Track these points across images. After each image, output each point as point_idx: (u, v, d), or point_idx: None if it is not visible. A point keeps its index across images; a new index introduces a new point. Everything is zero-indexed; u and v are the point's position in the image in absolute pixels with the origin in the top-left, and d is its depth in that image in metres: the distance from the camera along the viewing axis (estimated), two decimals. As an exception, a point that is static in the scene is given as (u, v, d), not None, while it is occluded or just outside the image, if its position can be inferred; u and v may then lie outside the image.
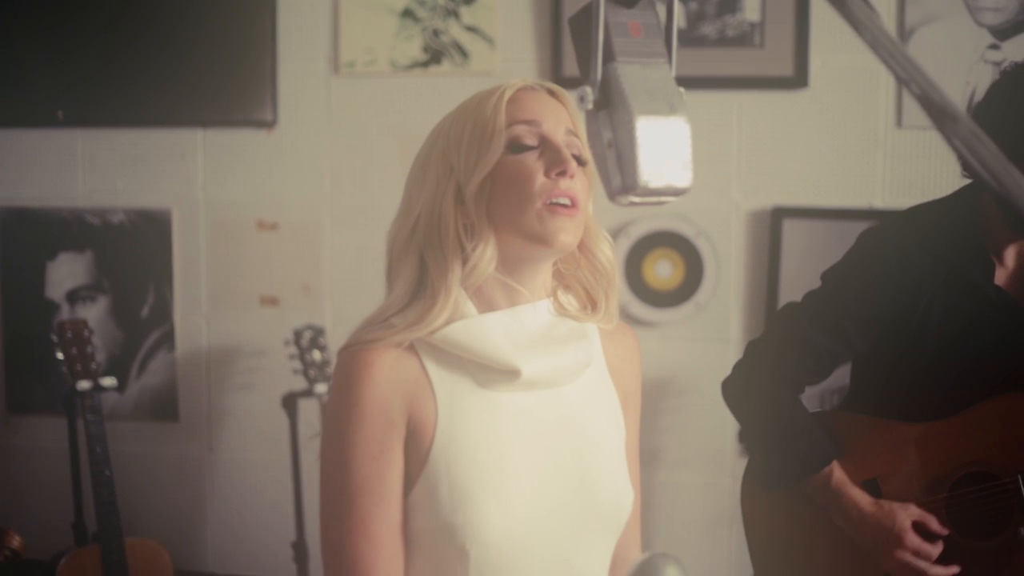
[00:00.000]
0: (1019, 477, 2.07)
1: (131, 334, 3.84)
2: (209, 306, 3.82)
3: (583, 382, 1.58)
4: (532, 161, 1.48)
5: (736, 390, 2.33)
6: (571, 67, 3.42)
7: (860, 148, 3.34)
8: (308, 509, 3.48)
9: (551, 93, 1.57)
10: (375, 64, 3.61)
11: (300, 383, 3.45)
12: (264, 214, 3.75)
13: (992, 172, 0.80)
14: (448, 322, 1.48)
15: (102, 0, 3.73)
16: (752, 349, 2.33)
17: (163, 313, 3.82)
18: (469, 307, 1.50)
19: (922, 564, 2.11)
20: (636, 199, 1.06)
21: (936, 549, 2.12)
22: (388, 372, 1.47)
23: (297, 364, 3.44)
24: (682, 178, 1.07)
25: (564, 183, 1.46)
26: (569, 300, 1.61)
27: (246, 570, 3.84)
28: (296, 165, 3.71)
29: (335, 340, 3.51)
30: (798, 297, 2.33)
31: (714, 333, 3.48)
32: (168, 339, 3.83)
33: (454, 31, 3.55)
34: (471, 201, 1.48)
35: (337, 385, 1.49)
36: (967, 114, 0.82)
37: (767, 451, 2.32)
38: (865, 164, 3.34)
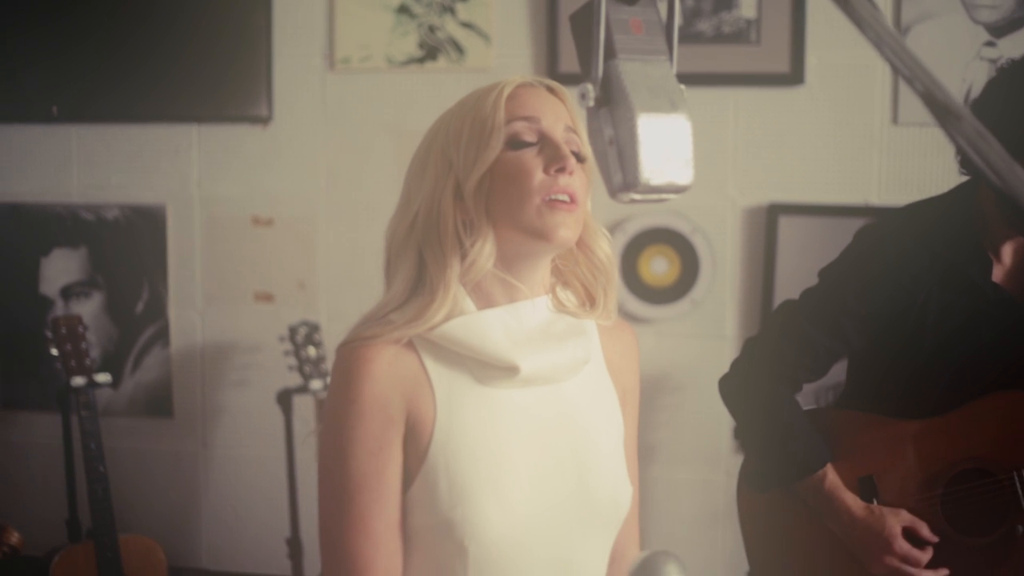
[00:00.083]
0: (1015, 474, 2.08)
1: (125, 330, 3.83)
2: (204, 302, 3.81)
3: (582, 378, 1.58)
4: (531, 157, 1.48)
5: (733, 388, 2.33)
6: (567, 64, 3.42)
7: (856, 145, 3.35)
8: (303, 505, 3.48)
9: (550, 90, 1.56)
10: (371, 60, 3.61)
11: (295, 379, 3.45)
12: (259, 210, 3.74)
13: (996, 170, 0.79)
14: (447, 318, 1.48)
15: (97, -5, 3.73)
16: (749, 347, 2.33)
17: (158, 309, 3.82)
18: (468, 303, 1.50)
19: (911, 571, 2.12)
20: (637, 196, 1.06)
21: (926, 555, 2.12)
22: (387, 368, 1.47)
23: (292, 360, 3.44)
24: (683, 175, 1.07)
25: (563, 180, 1.46)
26: (568, 296, 1.61)
27: (240, 566, 3.84)
28: (291, 161, 3.71)
29: (330, 336, 3.51)
30: (794, 294, 2.33)
31: (710, 330, 3.48)
32: (163, 335, 3.82)
33: (450, 27, 3.55)
34: (470, 197, 1.48)
35: (335, 382, 1.49)
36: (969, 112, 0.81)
37: (762, 452, 2.32)
38: (861, 161, 3.35)
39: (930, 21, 3.20)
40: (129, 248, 3.81)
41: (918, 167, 3.30)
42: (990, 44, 3.18)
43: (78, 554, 3.18)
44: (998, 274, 2.16)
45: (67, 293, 3.86)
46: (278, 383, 3.52)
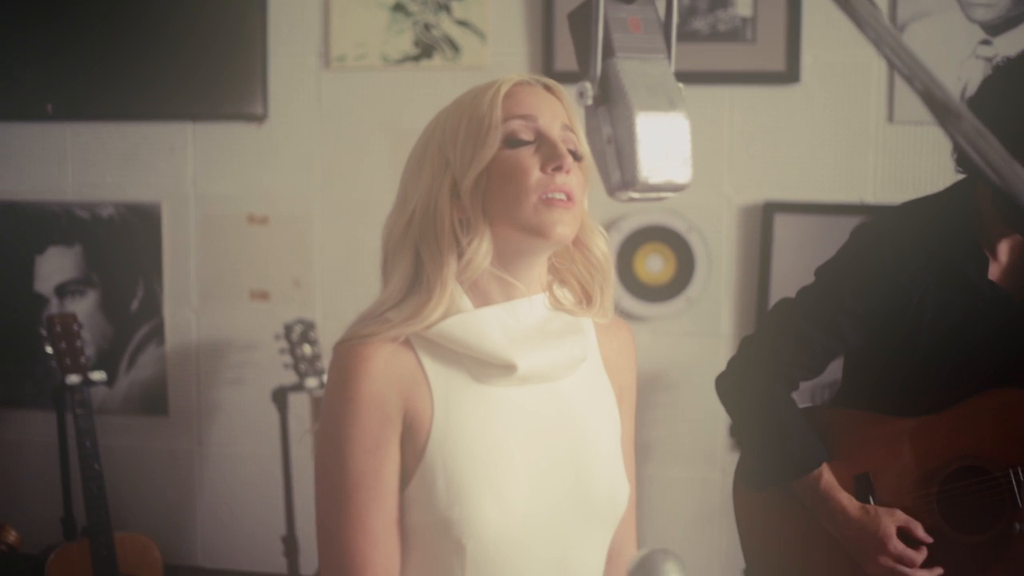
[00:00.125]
0: (1011, 471, 2.08)
1: (120, 328, 3.83)
2: (199, 300, 3.81)
3: (579, 376, 1.58)
4: (528, 156, 1.48)
5: (730, 387, 2.33)
6: (563, 62, 3.41)
7: (851, 143, 3.35)
8: (298, 503, 3.48)
9: (547, 88, 1.56)
10: (366, 58, 3.60)
11: (290, 377, 3.45)
12: (254, 208, 3.74)
13: (995, 169, 0.80)
14: (444, 317, 1.48)
15: (91, -7, 3.72)
16: (746, 345, 2.33)
17: (153, 307, 3.81)
18: (465, 302, 1.50)
19: (905, 571, 2.12)
20: (636, 195, 1.05)
21: (920, 556, 2.13)
22: (384, 367, 1.46)
23: (287, 358, 3.43)
24: (682, 174, 1.06)
25: (560, 178, 1.46)
26: (564, 294, 1.61)
27: (236, 564, 3.84)
28: (286, 159, 3.71)
29: (325, 334, 3.51)
30: (790, 292, 2.33)
31: (705, 328, 3.49)
32: (158, 333, 3.82)
33: (445, 25, 3.55)
34: (467, 196, 1.48)
35: (333, 380, 1.49)
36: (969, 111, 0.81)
37: (758, 450, 2.32)
38: (856, 159, 3.35)
39: (926, 19, 3.20)
40: (124, 246, 3.80)
41: (914, 165, 3.30)
42: (986, 42, 3.18)
43: (73, 552, 3.18)
44: (994, 272, 2.16)
45: (62, 291, 3.85)
46: (273, 381, 3.52)
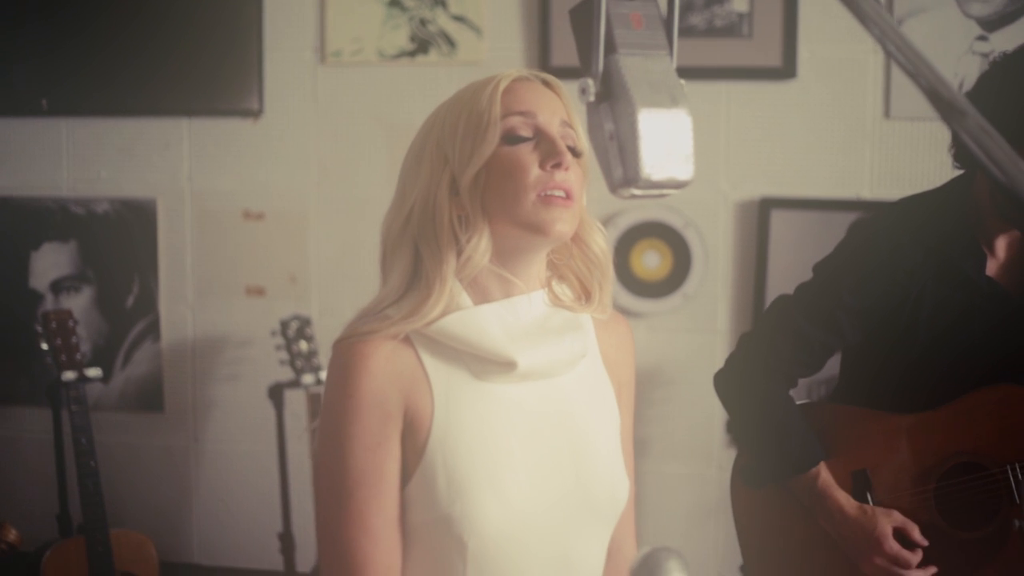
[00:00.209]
0: (1008, 468, 2.08)
1: (116, 324, 3.82)
2: (195, 296, 3.80)
3: (578, 373, 1.58)
4: (527, 153, 1.47)
5: (728, 384, 2.33)
6: (559, 57, 3.41)
7: (848, 139, 3.35)
8: (295, 500, 3.48)
9: (546, 84, 1.56)
10: (362, 53, 3.60)
11: (286, 374, 3.44)
12: (250, 204, 3.73)
13: (1000, 166, 0.79)
14: (443, 314, 1.48)
15: (86, -12, 3.71)
16: (744, 342, 2.33)
17: (148, 303, 3.81)
18: (464, 298, 1.50)
19: (900, 572, 2.12)
20: (638, 192, 1.05)
21: (916, 557, 2.13)
22: (384, 364, 1.46)
23: (283, 355, 3.43)
24: (684, 171, 1.06)
25: (559, 175, 1.46)
26: (563, 290, 1.61)
27: (232, 561, 3.83)
28: (282, 155, 3.70)
29: (322, 330, 3.51)
30: (786, 288, 2.33)
31: (702, 324, 3.49)
32: (153, 329, 3.81)
33: (441, 21, 3.54)
34: (466, 192, 1.48)
35: (333, 377, 1.49)
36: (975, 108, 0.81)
37: (756, 448, 2.32)
38: (853, 155, 3.35)
39: (922, 15, 3.20)
40: (119, 242, 3.80)
41: (910, 161, 3.31)
42: (982, 38, 3.18)
43: (69, 549, 3.17)
44: (992, 268, 2.16)
45: (57, 287, 3.85)
46: (269, 377, 3.51)
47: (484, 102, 1.49)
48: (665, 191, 1.07)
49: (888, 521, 2.14)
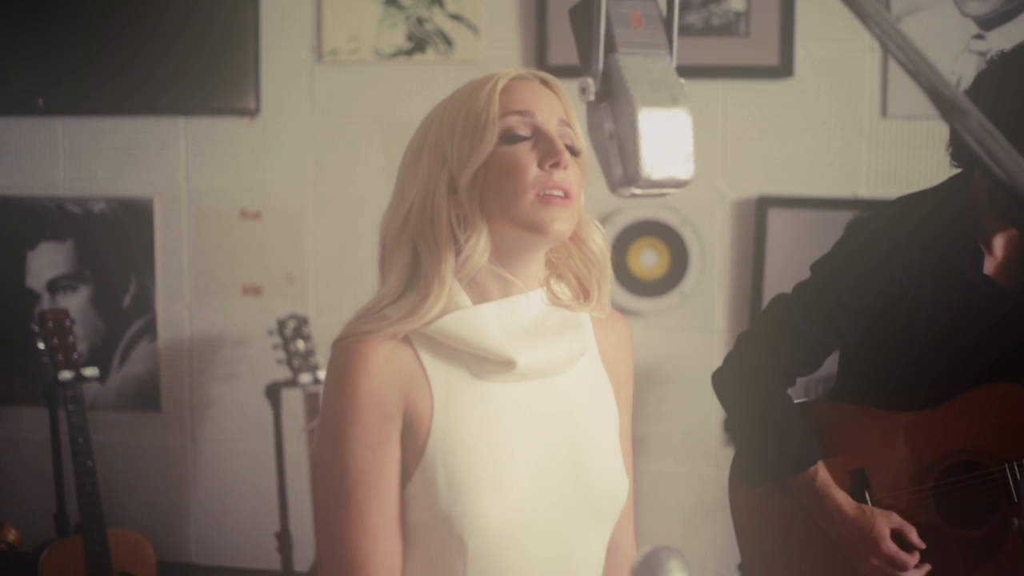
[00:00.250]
0: (1007, 466, 2.08)
1: (113, 324, 3.82)
2: (192, 295, 3.80)
3: (577, 371, 1.58)
4: (525, 152, 1.47)
5: (726, 383, 2.33)
6: (557, 55, 3.41)
7: (845, 137, 3.35)
8: (292, 499, 3.47)
9: (544, 82, 1.56)
10: (359, 52, 3.60)
11: (284, 373, 3.44)
12: (247, 203, 3.73)
13: (1002, 165, 0.79)
14: (442, 313, 1.48)
15: (82, -13, 3.71)
16: (743, 341, 2.33)
17: (145, 303, 3.80)
18: (463, 298, 1.50)
19: (896, 574, 2.12)
20: (638, 191, 1.05)
21: (912, 559, 2.13)
22: (384, 364, 1.46)
23: (281, 354, 3.43)
24: (684, 170, 1.06)
25: (558, 175, 1.46)
26: (562, 289, 1.61)
27: (230, 561, 3.83)
28: (279, 154, 3.70)
29: (319, 329, 3.50)
30: (783, 286, 2.33)
31: (699, 322, 3.49)
32: (150, 329, 3.81)
33: (438, 19, 3.54)
34: (464, 192, 1.47)
35: (332, 377, 1.48)
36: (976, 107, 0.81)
37: (754, 447, 2.32)
38: (850, 153, 3.35)
39: (919, 14, 3.20)
40: (116, 241, 3.79)
41: (907, 160, 3.31)
42: (979, 37, 3.18)
43: (66, 549, 3.16)
44: (990, 267, 2.16)
45: (54, 287, 3.84)
46: (267, 377, 3.51)
47: (482, 101, 1.49)
48: (665, 190, 1.07)
49: (886, 522, 2.14)
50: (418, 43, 3.56)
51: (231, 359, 3.77)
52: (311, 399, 3.36)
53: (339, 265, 3.67)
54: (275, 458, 3.48)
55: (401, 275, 1.52)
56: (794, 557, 2.30)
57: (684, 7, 3.34)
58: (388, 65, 3.59)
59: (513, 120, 1.48)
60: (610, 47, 1.06)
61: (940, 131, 3.06)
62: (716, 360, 2.38)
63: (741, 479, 2.36)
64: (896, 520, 2.14)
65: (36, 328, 3.28)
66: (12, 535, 2.79)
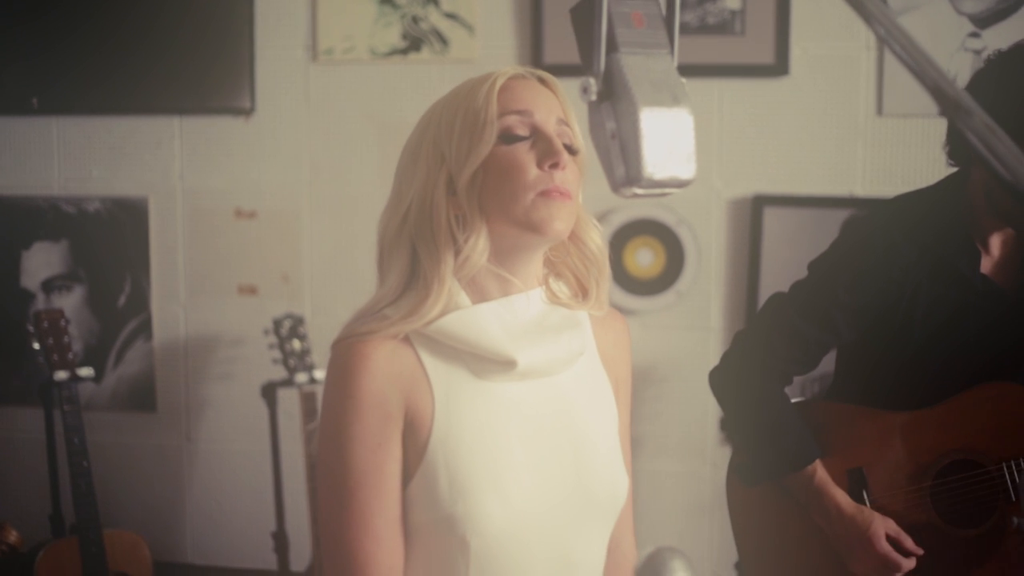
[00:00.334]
0: (1004, 465, 2.08)
1: (108, 324, 3.81)
2: (187, 295, 3.79)
3: (577, 370, 1.58)
4: (524, 152, 1.47)
5: (724, 381, 2.33)
6: (552, 54, 3.41)
7: (841, 136, 3.35)
8: (288, 499, 3.47)
9: (541, 81, 1.56)
10: (354, 51, 3.59)
11: (280, 372, 3.44)
12: (242, 202, 3.72)
13: (1006, 164, 0.79)
14: (442, 313, 1.47)
15: (77, -14, 3.70)
16: (740, 339, 2.33)
17: (140, 302, 3.79)
18: (463, 298, 1.49)
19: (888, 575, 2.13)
20: (640, 191, 1.05)
21: (907, 563, 2.13)
22: (384, 365, 1.46)
23: (276, 353, 3.42)
24: (686, 170, 1.06)
25: (558, 176, 1.46)
26: (560, 288, 1.61)
27: (226, 561, 3.83)
28: (274, 153, 3.69)
29: (315, 329, 3.50)
30: (779, 285, 2.33)
31: (695, 321, 3.49)
32: (145, 328, 3.80)
33: (433, 18, 3.54)
34: (463, 192, 1.47)
35: (333, 378, 1.48)
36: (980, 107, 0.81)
37: (752, 446, 2.32)
38: (846, 152, 3.35)
39: (915, 12, 3.20)
40: (111, 241, 3.78)
41: (902, 158, 3.31)
42: (974, 35, 3.19)
43: (62, 549, 3.16)
44: (986, 266, 2.16)
45: (48, 286, 3.83)
46: (262, 376, 3.50)
47: (480, 100, 1.49)
48: (667, 190, 1.07)
49: (882, 523, 2.14)
50: (413, 42, 3.55)
51: (227, 359, 3.76)
52: (307, 399, 3.36)
53: (335, 264, 3.66)
54: (271, 458, 3.47)
55: (400, 275, 1.52)
56: (791, 556, 2.30)
57: (681, 6, 3.33)
58: (383, 64, 3.59)
59: (512, 120, 1.48)
60: (612, 47, 1.06)
61: (936, 129, 3.06)
62: (712, 359, 2.38)
63: (739, 478, 2.36)
64: (892, 527, 2.14)
65: (31, 328, 3.27)
66: (13, 536, 2.79)
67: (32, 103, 3.74)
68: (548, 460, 1.51)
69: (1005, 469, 2.08)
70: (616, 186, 1.06)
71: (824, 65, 3.34)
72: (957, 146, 2.15)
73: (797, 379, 2.36)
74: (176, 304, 3.80)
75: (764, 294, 3.07)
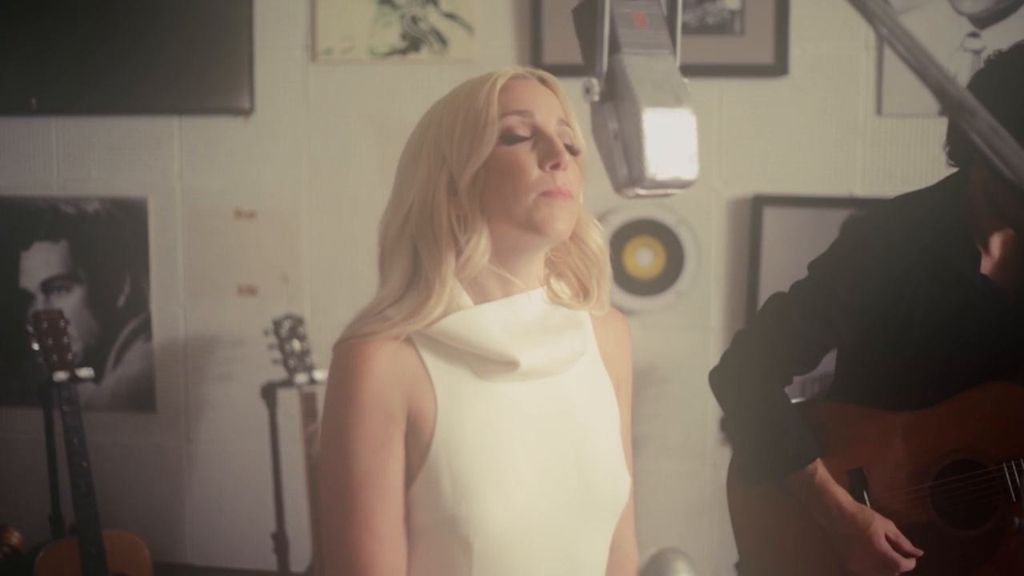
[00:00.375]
0: (1005, 465, 2.08)
1: (107, 324, 3.81)
2: (186, 296, 3.79)
3: (578, 370, 1.58)
4: (525, 153, 1.47)
5: (724, 381, 2.32)
6: (551, 54, 3.41)
7: (840, 136, 3.35)
8: (288, 500, 3.47)
9: (542, 81, 1.55)
10: (353, 51, 3.59)
11: (279, 373, 3.43)
12: (242, 203, 3.72)
13: (1010, 165, 0.79)
14: (444, 314, 1.47)
15: (76, -14, 3.69)
16: (740, 339, 2.33)
17: (140, 303, 3.79)
18: (464, 298, 1.49)
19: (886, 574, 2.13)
20: (643, 191, 1.05)
21: (906, 563, 2.13)
22: (387, 366, 1.46)
23: (276, 354, 3.42)
24: (689, 170, 1.06)
25: (560, 177, 1.46)
26: (561, 288, 1.61)
27: (226, 561, 3.82)
28: (274, 153, 3.69)
29: (314, 329, 3.50)
30: (779, 285, 2.33)
31: (695, 321, 3.49)
32: (145, 329, 3.80)
33: (432, 18, 3.54)
34: (464, 193, 1.47)
35: (335, 380, 1.48)
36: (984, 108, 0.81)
37: (752, 446, 2.32)
38: (845, 152, 3.35)
39: (914, 11, 3.20)
40: (110, 241, 3.78)
41: (902, 158, 3.31)
42: (974, 35, 3.19)
43: (62, 550, 3.16)
44: (986, 266, 2.16)
45: (48, 287, 3.83)
46: (262, 377, 3.50)
47: (481, 101, 1.48)
48: (670, 191, 1.07)
49: (882, 523, 2.14)
50: (412, 42, 3.55)
51: (226, 359, 3.76)
52: (307, 399, 3.36)
53: (334, 265, 3.66)
54: (271, 458, 3.47)
55: (402, 276, 1.51)
56: (792, 555, 2.30)
57: (682, 6, 3.34)
58: (382, 64, 3.59)
59: (512, 120, 1.48)
60: (614, 47, 1.06)
61: (935, 129, 3.06)
62: (712, 359, 2.38)
63: (740, 478, 2.36)
64: (892, 529, 2.14)
65: (30, 329, 3.27)
66: (15, 538, 2.79)
67: (31, 103, 3.74)
68: (550, 460, 1.51)
69: (1005, 469, 2.08)
70: (619, 187, 1.05)
71: (823, 65, 3.34)
72: (957, 146, 2.15)
73: (797, 379, 2.36)
74: (176, 304, 3.80)
75: (764, 294, 3.07)
